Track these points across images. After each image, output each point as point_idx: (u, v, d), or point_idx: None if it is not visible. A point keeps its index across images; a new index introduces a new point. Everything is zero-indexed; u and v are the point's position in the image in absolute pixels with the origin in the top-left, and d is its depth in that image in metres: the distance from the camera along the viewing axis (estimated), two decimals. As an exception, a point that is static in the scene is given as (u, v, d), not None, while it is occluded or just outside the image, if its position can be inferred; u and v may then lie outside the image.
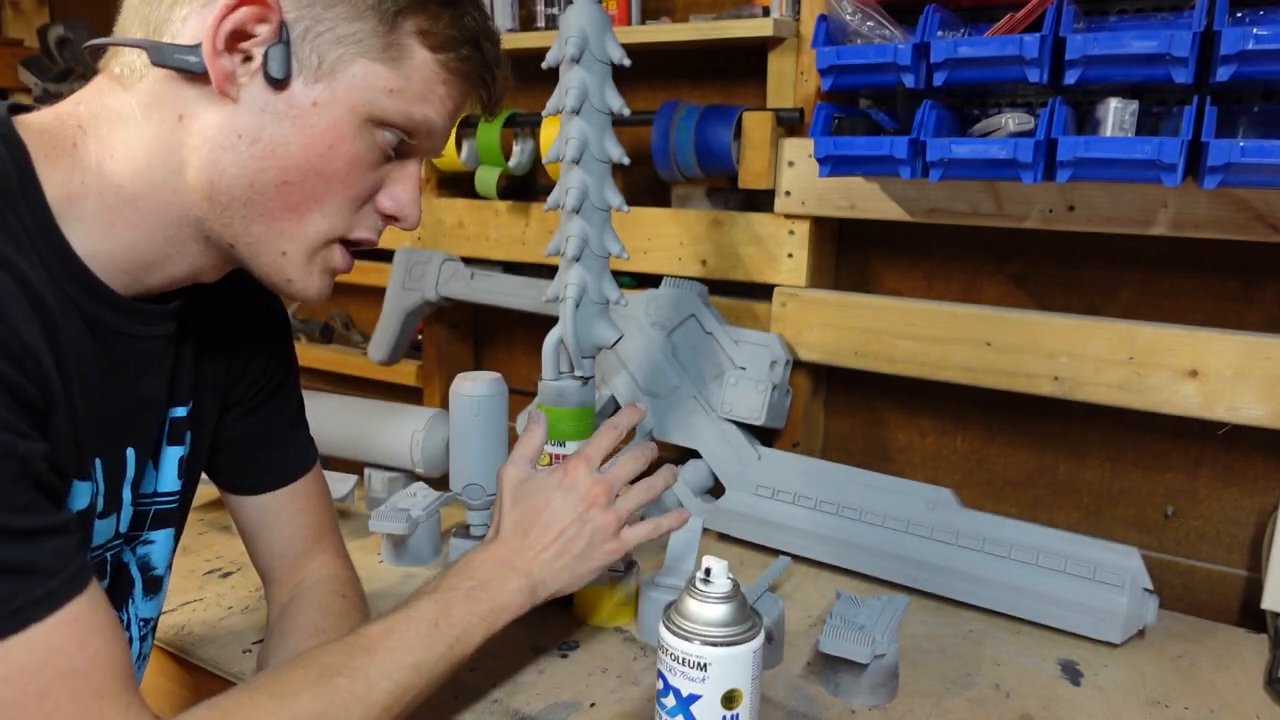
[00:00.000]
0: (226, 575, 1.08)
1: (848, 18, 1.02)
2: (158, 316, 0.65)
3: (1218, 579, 1.11)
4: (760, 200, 1.29)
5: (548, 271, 1.44)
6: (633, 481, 0.83)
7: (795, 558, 1.11)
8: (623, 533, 0.81)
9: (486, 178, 1.46)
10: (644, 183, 1.43)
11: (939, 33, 0.97)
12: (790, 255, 1.25)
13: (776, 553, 1.12)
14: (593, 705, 0.83)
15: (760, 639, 0.64)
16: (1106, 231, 1.05)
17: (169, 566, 0.76)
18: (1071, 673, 0.91)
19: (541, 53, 1.08)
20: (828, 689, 0.86)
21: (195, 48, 0.56)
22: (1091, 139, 0.90)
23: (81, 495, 0.59)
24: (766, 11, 1.22)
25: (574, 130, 1.06)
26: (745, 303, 1.31)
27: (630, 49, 1.06)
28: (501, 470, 0.83)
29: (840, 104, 1.12)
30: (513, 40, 1.39)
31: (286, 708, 0.59)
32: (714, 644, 0.62)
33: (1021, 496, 1.24)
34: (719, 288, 1.32)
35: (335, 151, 0.60)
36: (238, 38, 0.57)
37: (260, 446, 0.81)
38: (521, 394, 1.50)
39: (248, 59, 0.57)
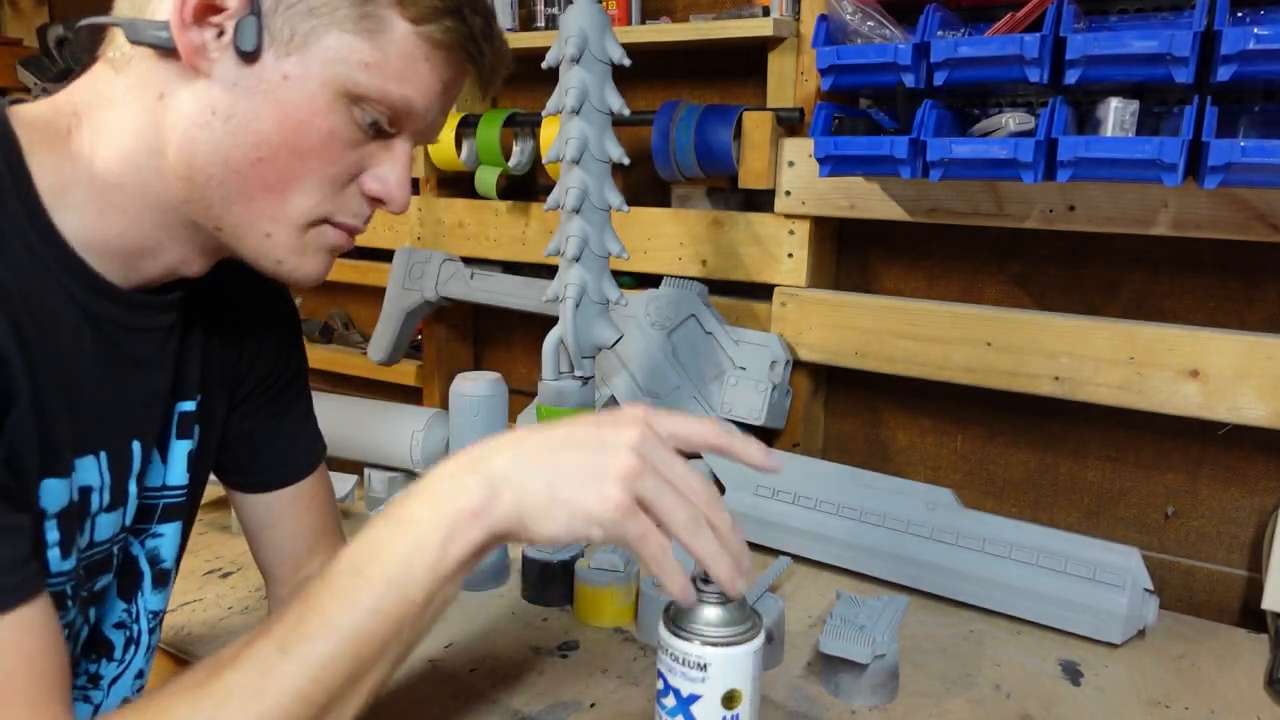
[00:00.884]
0: (226, 575, 1.08)
1: (848, 17, 1.02)
2: (156, 308, 0.65)
3: (1218, 579, 1.11)
4: (760, 200, 1.29)
5: (548, 271, 1.44)
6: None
7: (795, 558, 1.11)
8: (641, 511, 0.53)
9: (486, 178, 1.46)
10: (644, 183, 1.43)
11: (939, 32, 0.97)
12: (790, 255, 1.25)
13: (776, 553, 1.12)
14: (593, 705, 0.83)
15: (760, 639, 0.64)
16: (1107, 231, 1.05)
17: (178, 560, 0.76)
18: (1072, 673, 0.91)
19: (541, 53, 1.08)
20: (828, 689, 0.86)
21: (167, 23, 0.55)
22: (1092, 139, 0.90)
23: (56, 493, 0.58)
24: (766, 11, 1.22)
25: (574, 130, 1.06)
26: (745, 303, 1.31)
27: (630, 49, 1.06)
28: None
29: (840, 104, 1.12)
30: (513, 40, 1.38)
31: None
32: (714, 644, 0.62)
33: (1022, 497, 1.23)
34: (719, 288, 1.32)
35: (308, 126, 0.57)
36: (207, 10, 0.55)
37: (268, 444, 0.81)
38: (521, 394, 1.50)
39: (221, 33, 0.56)
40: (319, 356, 1.73)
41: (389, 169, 0.63)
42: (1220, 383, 0.99)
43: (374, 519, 0.55)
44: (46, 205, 0.57)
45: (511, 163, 1.46)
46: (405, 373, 1.66)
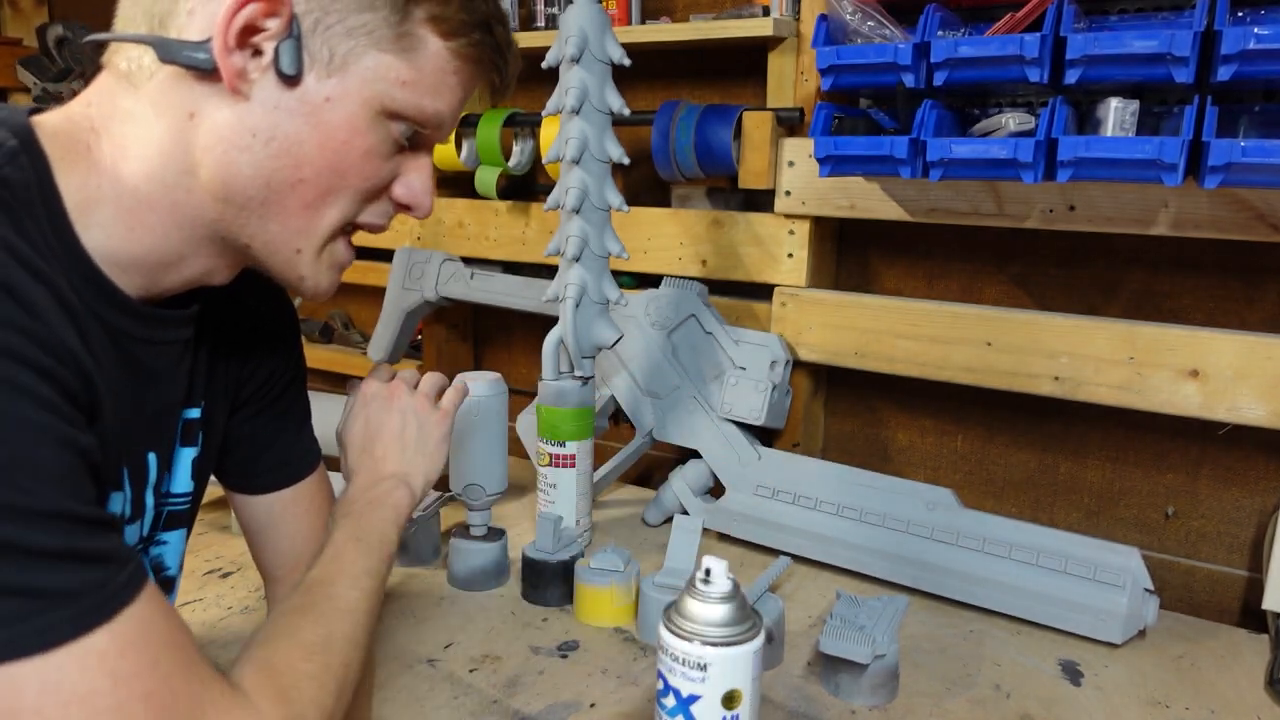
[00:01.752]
0: (226, 575, 1.08)
1: (848, 17, 1.02)
2: (176, 322, 0.65)
3: (1218, 579, 1.11)
4: (760, 200, 1.29)
5: (548, 271, 1.44)
6: None
7: (795, 558, 1.11)
8: (443, 403, 0.84)
9: (486, 178, 1.46)
10: (644, 183, 1.43)
11: (939, 32, 0.97)
12: (790, 255, 1.25)
13: (776, 553, 1.11)
14: (593, 705, 0.83)
15: (760, 639, 0.64)
16: (1107, 231, 1.05)
17: (180, 566, 0.76)
18: (1072, 673, 0.91)
19: (541, 53, 1.08)
20: (828, 689, 0.86)
21: (204, 44, 0.55)
22: (1092, 139, 0.90)
23: (115, 504, 0.60)
24: (766, 11, 1.22)
25: (574, 130, 1.06)
26: (745, 303, 1.31)
27: (630, 49, 1.06)
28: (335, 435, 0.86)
29: (840, 104, 1.12)
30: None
31: (298, 641, 0.61)
32: (714, 644, 0.62)
33: (1022, 496, 1.23)
34: (719, 288, 1.32)
35: (350, 146, 0.59)
36: (248, 33, 0.55)
37: (268, 446, 0.81)
38: (521, 394, 1.50)
39: (258, 54, 0.56)
40: (319, 356, 1.73)
41: (415, 176, 0.65)
42: (1220, 383, 0.99)
43: (337, 513, 0.74)
44: (73, 221, 0.56)
45: (511, 163, 1.46)
46: (405, 373, 1.65)
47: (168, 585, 0.75)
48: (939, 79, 0.95)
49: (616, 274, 1.15)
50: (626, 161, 1.08)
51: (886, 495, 1.09)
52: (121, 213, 0.58)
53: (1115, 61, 0.86)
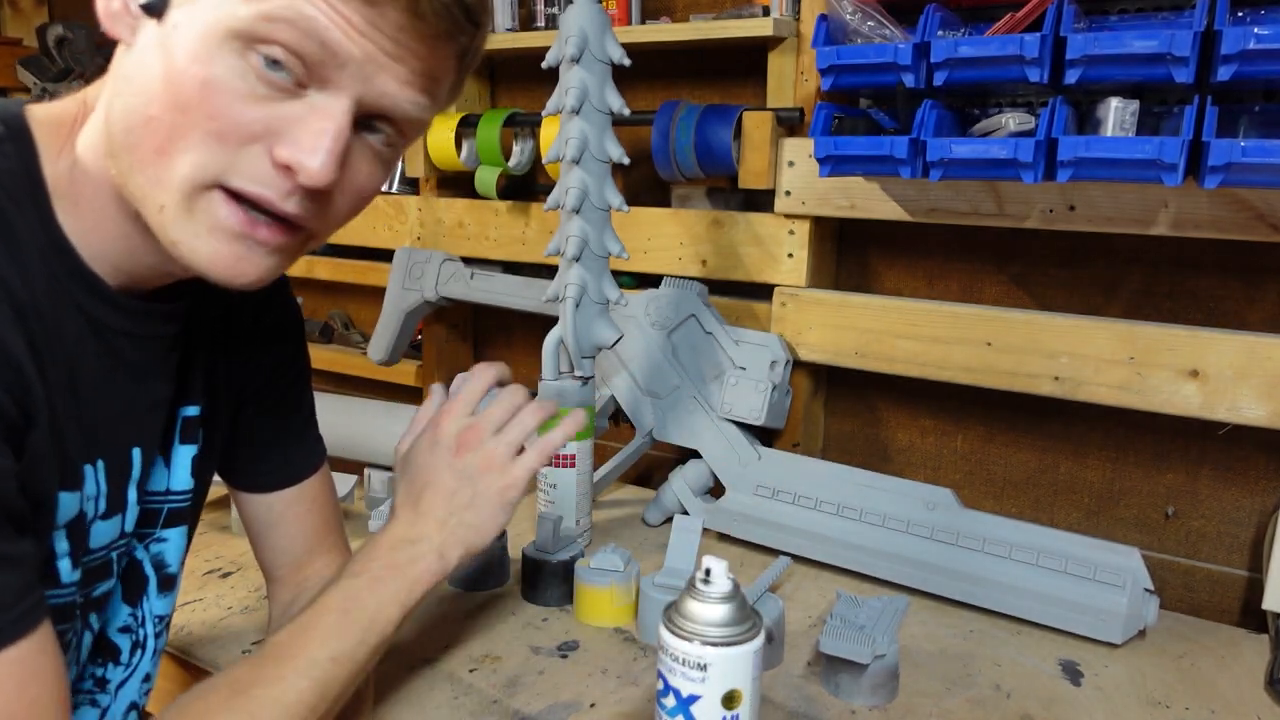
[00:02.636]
0: (226, 575, 1.08)
1: (848, 17, 1.02)
2: (160, 316, 0.64)
3: (1218, 579, 1.11)
4: (760, 200, 1.29)
5: (548, 271, 1.44)
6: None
7: (795, 558, 1.11)
8: (514, 467, 0.74)
9: (486, 178, 1.46)
10: (644, 183, 1.43)
11: (939, 32, 0.97)
12: (790, 255, 1.25)
13: (776, 553, 1.11)
14: (593, 705, 0.83)
15: (760, 639, 0.64)
16: (1107, 231, 1.05)
17: (182, 564, 0.76)
18: (1072, 673, 0.91)
19: (541, 53, 1.08)
20: (828, 689, 0.86)
21: None
22: (1092, 139, 0.89)
23: (68, 506, 0.58)
24: (766, 11, 1.22)
25: (574, 130, 1.06)
26: (745, 303, 1.31)
27: (630, 49, 1.06)
28: (395, 448, 0.80)
29: (840, 104, 1.12)
30: (513, 40, 1.39)
31: None
32: (714, 644, 0.62)
33: (1022, 496, 1.23)
34: (719, 288, 1.32)
35: (187, 75, 0.50)
36: None
37: (272, 444, 0.81)
38: (521, 394, 1.49)
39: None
40: (319, 356, 1.73)
41: (302, 129, 0.52)
42: (1220, 383, 0.99)
43: (350, 570, 0.70)
44: (57, 210, 0.56)
45: (511, 163, 1.46)
46: (405, 373, 1.66)
47: (169, 582, 0.74)
48: (939, 79, 0.95)
49: (616, 274, 1.15)
50: (626, 161, 1.08)
51: (886, 495, 1.09)
52: (96, 195, 0.57)
53: (1115, 61, 0.86)
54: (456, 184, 1.59)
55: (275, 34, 0.50)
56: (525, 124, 1.44)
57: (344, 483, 1.22)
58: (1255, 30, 0.80)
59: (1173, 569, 1.13)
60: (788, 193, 1.23)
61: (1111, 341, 1.04)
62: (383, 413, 1.34)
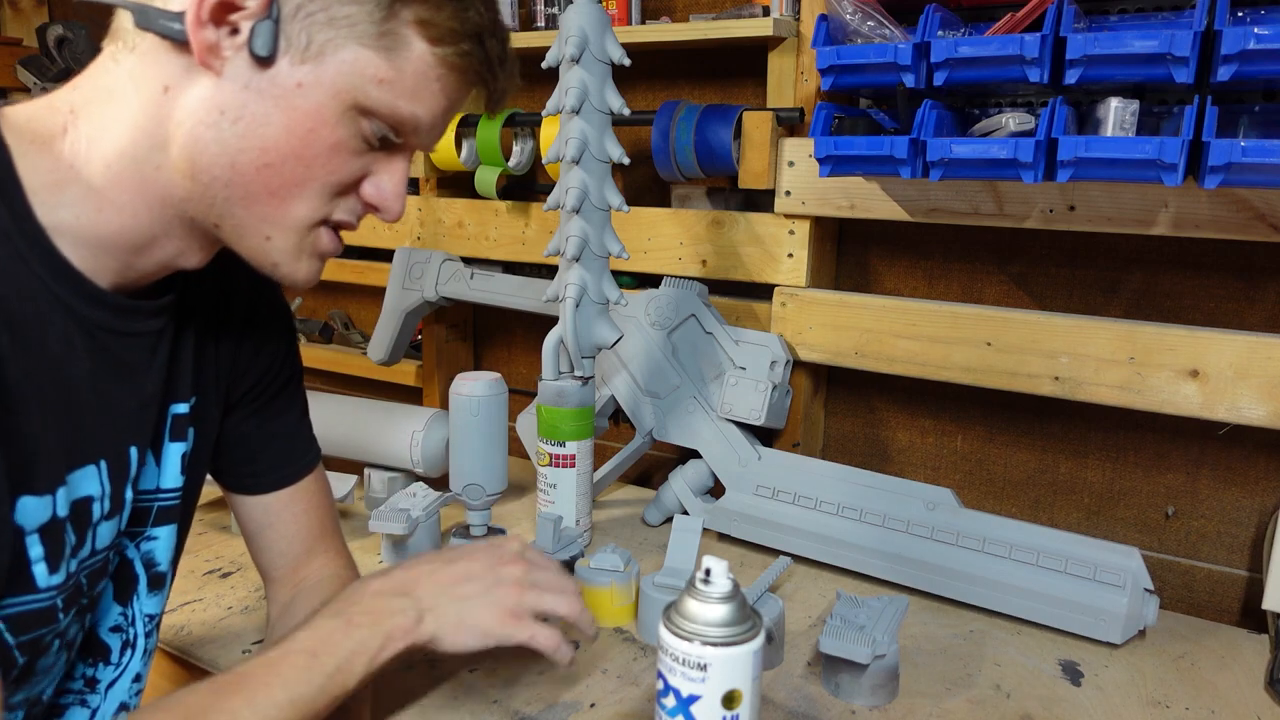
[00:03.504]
0: (226, 575, 1.08)
1: (848, 17, 1.02)
2: (146, 312, 0.64)
3: (1218, 579, 1.11)
4: (760, 200, 1.29)
5: (548, 271, 1.44)
6: None
7: (795, 558, 1.11)
8: (528, 618, 0.73)
9: (486, 178, 1.46)
10: (644, 183, 1.43)
11: (939, 32, 0.97)
12: (790, 255, 1.25)
13: (776, 553, 1.12)
14: (593, 705, 0.83)
15: (760, 639, 0.64)
16: (1107, 231, 1.05)
17: (173, 562, 0.76)
18: (1072, 673, 0.91)
19: (541, 53, 1.08)
20: (828, 689, 0.86)
21: (180, 14, 0.55)
22: (1092, 139, 0.89)
23: (34, 510, 0.57)
24: (766, 11, 1.22)
25: (574, 130, 1.06)
26: (745, 303, 1.31)
27: (630, 49, 1.06)
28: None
29: (840, 104, 1.12)
30: (513, 40, 1.38)
31: None
32: (714, 644, 0.62)
33: (1022, 496, 1.23)
34: (719, 288, 1.32)
35: (315, 136, 0.58)
36: (225, 9, 0.55)
37: (265, 446, 0.80)
38: (521, 394, 1.50)
39: (235, 32, 0.55)
40: (319, 356, 1.73)
41: (387, 178, 0.63)
42: (1220, 383, 0.99)
43: (330, 608, 0.68)
44: (37, 207, 0.56)
45: (511, 163, 1.46)
46: (405, 373, 1.66)
47: (159, 581, 0.74)
48: (939, 79, 0.95)
49: (616, 274, 1.15)
50: (626, 161, 1.08)
51: (886, 495, 1.09)
52: (91, 192, 0.58)
53: (1115, 61, 0.86)
54: (456, 184, 1.59)
55: (393, 116, 0.59)
56: (525, 124, 1.44)
57: (344, 483, 1.22)
58: (1255, 30, 0.80)
59: (1173, 569, 1.13)
60: (788, 193, 1.23)
61: (1111, 341, 1.04)
62: (383, 413, 1.34)
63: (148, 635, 0.75)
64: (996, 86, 1.02)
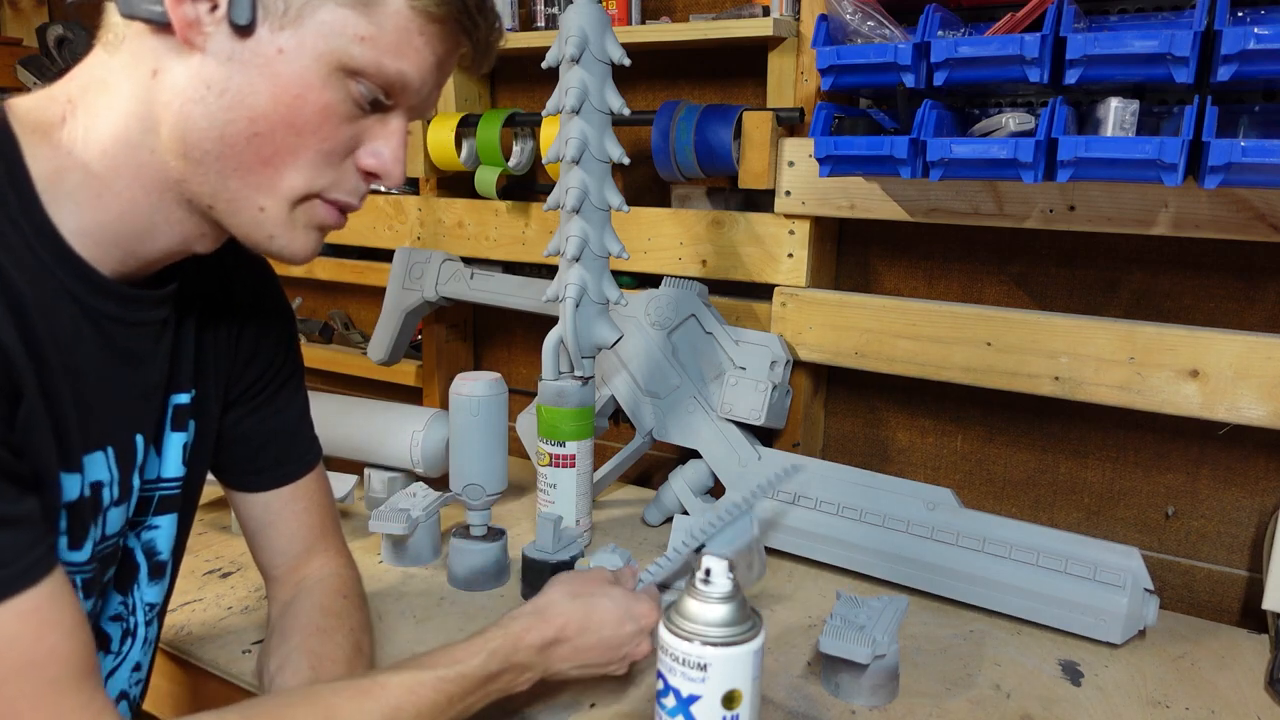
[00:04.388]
0: (226, 575, 1.08)
1: (848, 17, 1.02)
2: (150, 301, 0.65)
3: (1218, 579, 1.11)
4: (760, 200, 1.29)
5: (548, 271, 1.44)
6: None
7: (795, 558, 1.11)
8: (631, 666, 0.81)
9: (486, 178, 1.46)
10: (644, 183, 1.43)
11: (939, 32, 0.97)
12: (790, 255, 1.25)
13: (776, 553, 1.11)
14: (593, 705, 0.83)
15: (761, 639, 0.64)
16: (1107, 231, 1.05)
17: (175, 553, 0.76)
18: (1072, 673, 0.91)
19: (541, 53, 1.08)
20: (828, 689, 0.86)
21: None
22: (1092, 139, 0.89)
23: (69, 487, 0.59)
24: (766, 11, 1.22)
25: (574, 130, 1.06)
26: (745, 303, 1.31)
27: (630, 49, 1.06)
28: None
29: (840, 104, 1.12)
30: (513, 40, 1.39)
31: None
32: (714, 644, 0.62)
33: (1022, 496, 1.23)
34: (719, 288, 1.32)
35: (303, 101, 0.57)
36: None
37: (266, 443, 0.81)
38: (521, 394, 1.50)
39: (214, 7, 0.56)
40: (319, 356, 1.73)
41: (384, 144, 0.62)
42: (1220, 383, 0.99)
43: (449, 655, 0.69)
44: (43, 198, 0.57)
45: (511, 163, 1.46)
46: (405, 373, 1.66)
47: (160, 569, 0.75)
48: (939, 79, 0.95)
49: (616, 274, 1.15)
50: (626, 161, 1.08)
51: (886, 495, 1.09)
52: (88, 181, 0.58)
53: (1115, 61, 0.86)
54: (456, 184, 1.59)
55: (379, 74, 0.58)
56: (525, 124, 1.44)
57: (344, 483, 1.22)
58: (1255, 30, 0.80)
59: (1173, 569, 1.13)
60: (788, 193, 1.23)
61: (1111, 341, 1.04)
62: (383, 412, 1.34)
63: (148, 624, 0.75)
64: (996, 86, 1.02)
